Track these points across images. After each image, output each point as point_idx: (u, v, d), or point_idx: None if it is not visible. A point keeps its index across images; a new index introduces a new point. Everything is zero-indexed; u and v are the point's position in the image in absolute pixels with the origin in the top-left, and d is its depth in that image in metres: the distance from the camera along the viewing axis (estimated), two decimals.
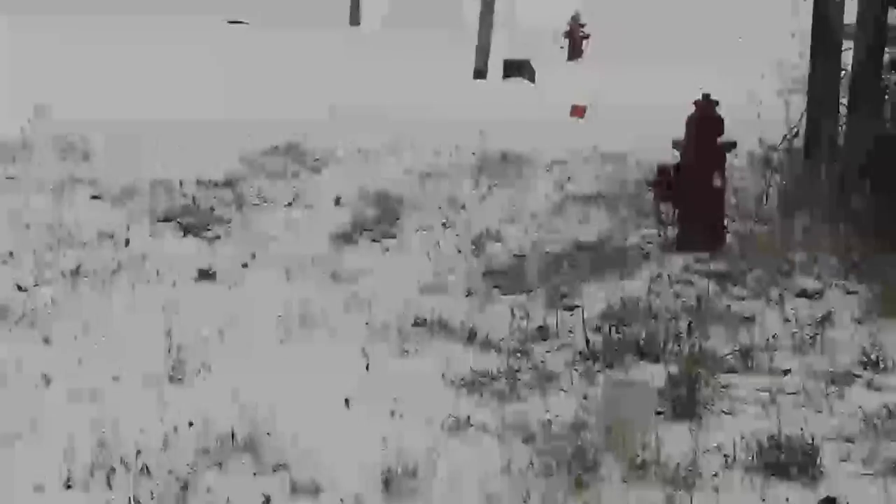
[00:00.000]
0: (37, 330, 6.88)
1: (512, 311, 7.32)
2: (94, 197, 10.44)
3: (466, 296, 7.84)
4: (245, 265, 8.64)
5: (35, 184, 10.66)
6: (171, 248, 9.04)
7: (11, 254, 8.67)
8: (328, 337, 6.92)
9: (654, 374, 6.06)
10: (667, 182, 8.81)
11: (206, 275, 8.38)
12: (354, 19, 34.81)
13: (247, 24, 30.93)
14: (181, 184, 10.94)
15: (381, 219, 9.87)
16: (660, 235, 8.92)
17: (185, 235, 9.53)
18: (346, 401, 5.72)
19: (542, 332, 7.05)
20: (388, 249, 9.07)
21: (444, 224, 9.78)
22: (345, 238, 9.31)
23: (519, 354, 6.62)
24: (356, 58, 23.15)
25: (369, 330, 7.02)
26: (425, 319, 7.18)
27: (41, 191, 10.43)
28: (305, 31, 26.04)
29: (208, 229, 9.66)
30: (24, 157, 11.79)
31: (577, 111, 14.78)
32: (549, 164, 12.42)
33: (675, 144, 8.90)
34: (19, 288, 8.25)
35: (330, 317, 7.23)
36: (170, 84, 17.48)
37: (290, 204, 10.49)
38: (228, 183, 11.13)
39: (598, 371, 6.28)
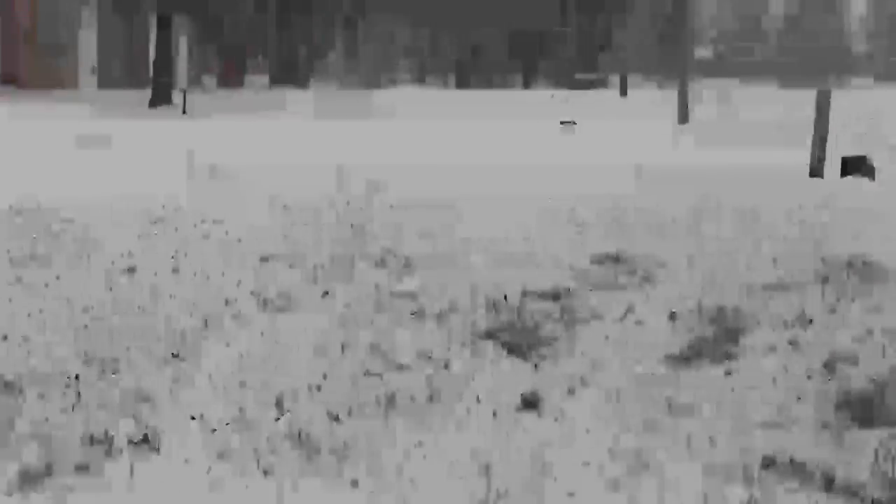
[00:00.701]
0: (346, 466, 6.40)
1: (876, 451, 6.39)
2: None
3: (820, 429, 6.95)
4: (571, 391, 8.00)
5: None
6: (492, 370, 8.51)
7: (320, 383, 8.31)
8: (657, 488, 6.17)
9: None
10: None
11: (528, 404, 7.80)
12: (683, 117, 34.09)
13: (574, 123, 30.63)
14: (506, 297, 10.42)
15: (719, 337, 9.03)
16: None
17: (508, 355, 8.97)
18: None
19: None
20: (729, 373, 8.22)
21: (790, 343, 8.85)
22: (679, 360, 8.53)
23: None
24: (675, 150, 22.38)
25: (705, 472, 6.23)
26: (773, 459, 6.33)
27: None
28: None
29: (533, 349, 9.08)
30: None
31: None
32: None
33: None
34: (333, 418, 7.85)
35: (662, 458, 6.46)
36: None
37: (621, 319, 9.77)
38: (556, 295, 10.53)
39: None
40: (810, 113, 28.35)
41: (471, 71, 64.92)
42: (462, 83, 59.08)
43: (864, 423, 6.99)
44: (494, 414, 7.52)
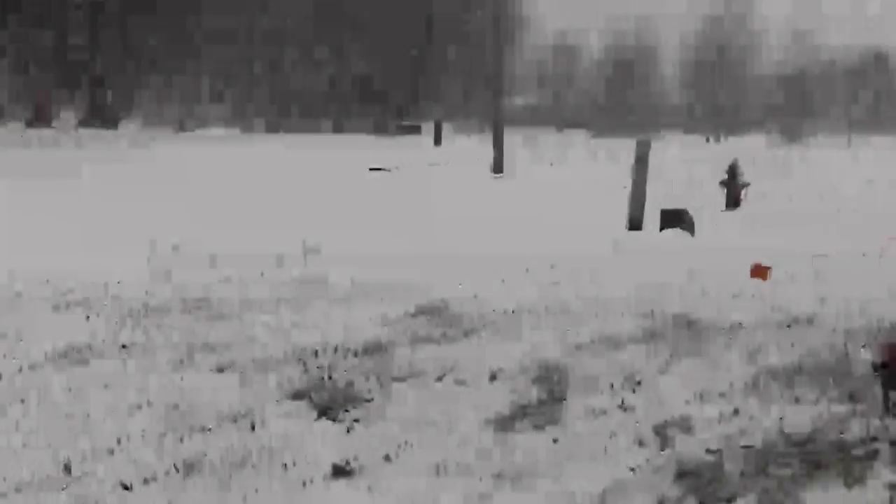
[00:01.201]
0: None
1: None
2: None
3: None
4: (388, 458, 7.33)
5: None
6: (302, 433, 7.80)
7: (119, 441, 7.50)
8: None
9: None
10: None
11: (341, 472, 7.09)
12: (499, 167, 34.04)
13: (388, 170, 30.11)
14: (316, 354, 9.73)
15: (544, 400, 8.47)
16: (887, 429, 7.39)
17: (318, 417, 8.27)
18: None
19: None
20: (555, 441, 7.64)
21: (619, 406, 8.33)
22: (503, 425, 7.93)
23: None
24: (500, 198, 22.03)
25: None
26: None
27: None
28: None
29: (346, 411, 8.39)
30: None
31: (760, 271, 13.14)
32: (731, 328, 10.92)
33: None
34: (124, 487, 7.04)
35: None
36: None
37: (440, 378, 9.15)
38: (368, 351, 9.88)
39: None
40: (623, 165, 28.43)
41: (281, 116, 64.19)
42: (271, 128, 58.25)
43: (703, 498, 6.48)
44: (304, 484, 6.82)
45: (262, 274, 13.83)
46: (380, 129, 57.91)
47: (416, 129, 61.03)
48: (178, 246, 15.91)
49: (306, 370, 9.27)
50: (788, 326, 11.06)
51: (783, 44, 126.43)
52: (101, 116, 49.71)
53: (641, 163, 20.27)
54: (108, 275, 13.22)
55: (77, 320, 10.85)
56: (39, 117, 49.90)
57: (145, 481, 7.08)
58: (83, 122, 48.26)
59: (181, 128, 48.17)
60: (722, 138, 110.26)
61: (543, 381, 8.93)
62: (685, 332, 10.69)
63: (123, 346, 9.84)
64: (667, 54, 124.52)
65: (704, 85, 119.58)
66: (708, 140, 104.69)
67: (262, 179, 25.57)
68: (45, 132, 43.67)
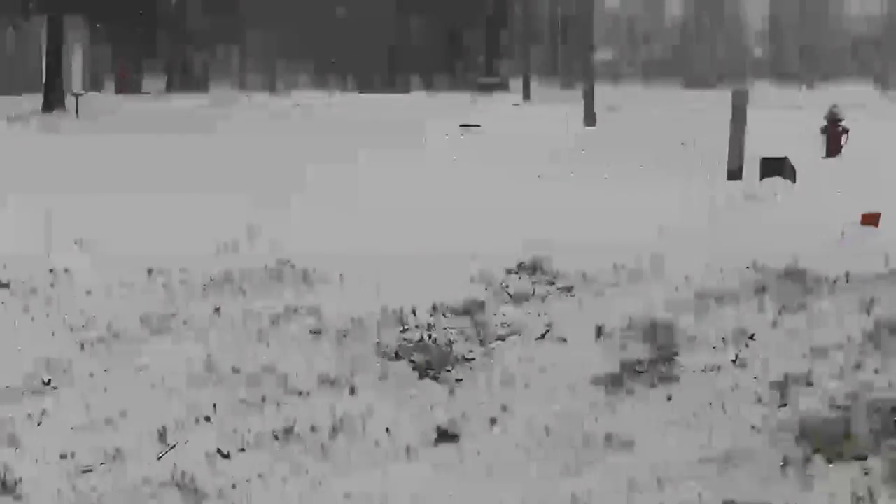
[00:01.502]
0: None
1: (853, 495, 5.50)
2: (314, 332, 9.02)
3: (781, 466, 6.05)
4: (494, 420, 7.06)
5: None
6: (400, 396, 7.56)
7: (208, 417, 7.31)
8: None
9: None
10: None
11: (445, 436, 6.83)
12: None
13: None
14: (414, 312, 9.45)
15: (654, 357, 8.12)
16: None
17: (420, 378, 8.00)
18: None
19: None
20: (669, 398, 7.30)
21: (733, 361, 7.96)
22: (612, 383, 7.61)
23: None
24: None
25: None
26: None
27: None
28: None
29: (448, 371, 8.12)
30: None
31: (870, 218, 12.63)
32: (841, 280, 10.45)
33: None
34: (222, 454, 6.83)
35: None
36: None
37: (542, 336, 8.82)
38: (467, 311, 9.57)
39: None
40: (714, 114, 27.83)
41: (371, 74, 63.98)
42: (364, 87, 58.03)
43: (830, 457, 6.12)
44: (408, 452, 6.57)
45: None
46: (465, 85, 57.35)
47: (502, 86, 60.34)
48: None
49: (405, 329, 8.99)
50: None
51: None
52: (189, 80, 49.76)
53: (739, 113, 19.76)
54: None
55: None
56: (121, 88, 50.07)
57: (242, 449, 6.87)
58: (171, 87, 48.32)
59: (272, 89, 48.05)
60: (815, 85, 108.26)
61: (651, 338, 8.56)
62: (793, 286, 10.24)
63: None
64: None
65: (788, 33, 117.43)
66: (801, 89, 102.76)
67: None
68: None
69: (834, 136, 24.44)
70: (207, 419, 7.30)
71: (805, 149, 24.77)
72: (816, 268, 10.84)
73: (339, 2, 61.79)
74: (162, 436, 7.05)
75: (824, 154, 24.48)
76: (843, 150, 24.57)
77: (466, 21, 66.38)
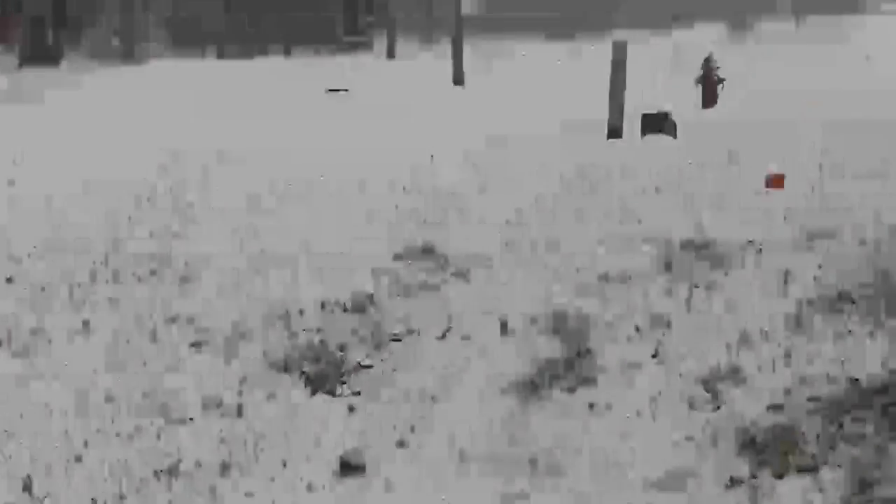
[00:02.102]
0: None
1: None
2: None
3: (727, 488, 5.45)
4: (401, 444, 6.36)
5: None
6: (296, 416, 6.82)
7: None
8: None
9: None
10: None
11: (349, 468, 6.12)
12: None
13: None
14: (301, 313, 8.68)
15: (567, 355, 7.47)
16: None
17: (313, 393, 7.27)
18: None
19: None
20: (591, 406, 6.66)
21: (654, 356, 7.35)
22: (527, 389, 6.95)
23: None
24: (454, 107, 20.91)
25: None
26: None
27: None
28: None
29: (343, 382, 7.40)
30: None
31: (775, 181, 12.04)
32: (748, 250, 9.88)
33: None
34: None
35: None
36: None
37: (443, 336, 8.13)
38: (358, 307, 8.83)
39: None
40: (584, 64, 27.22)
41: (228, 40, 62.50)
42: (221, 54, 56.53)
43: (780, 472, 5.53)
44: (309, 487, 5.85)
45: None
46: (325, 45, 56.26)
47: (365, 45, 59.32)
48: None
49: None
50: (810, 243, 10.05)
51: None
52: (41, 55, 48.03)
53: (619, 66, 19.04)
54: None
55: None
56: None
57: (120, 497, 6.09)
58: (24, 62, 46.57)
59: (128, 57, 46.55)
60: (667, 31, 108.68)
61: (561, 330, 7.92)
62: (701, 260, 9.67)
63: None
64: None
65: None
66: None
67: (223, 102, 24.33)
68: None
69: (710, 86, 24.05)
70: (79, 459, 6.51)
71: (677, 99, 24.38)
72: (720, 237, 10.28)
73: None
74: (27, 487, 6.24)
75: (701, 105, 24.09)
76: (717, 100, 24.21)
77: None
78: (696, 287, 8.78)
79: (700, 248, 9.98)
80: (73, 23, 50.38)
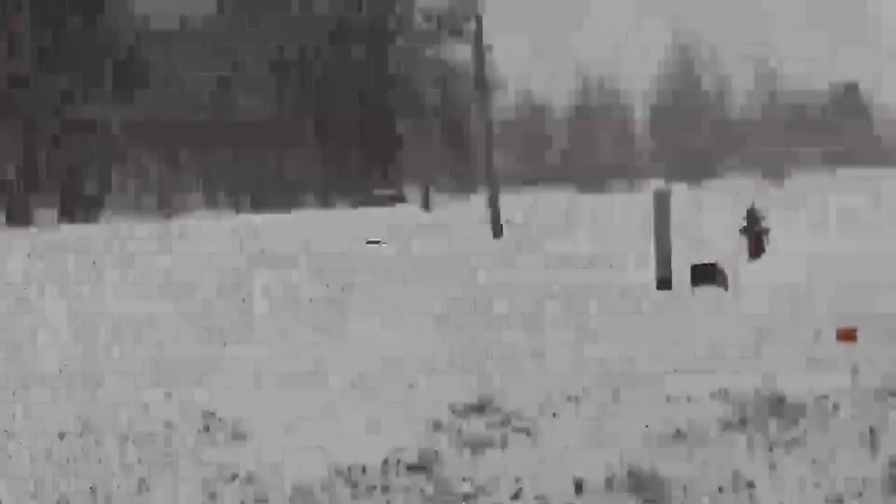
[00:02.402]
0: None
1: None
2: None
3: None
4: None
5: None
6: None
7: None
8: None
9: None
10: None
11: None
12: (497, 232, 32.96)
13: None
14: (364, 470, 8.30)
15: None
16: None
17: None
18: None
19: None
20: None
21: None
22: None
23: None
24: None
25: None
26: None
27: None
28: None
29: None
30: None
31: (846, 334, 11.68)
32: (824, 404, 9.50)
33: None
34: None
35: None
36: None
37: (516, 496, 7.72)
38: (423, 465, 8.45)
39: None
40: (621, 217, 27.12)
41: (264, 192, 63.16)
42: (256, 205, 57.10)
43: None
44: None
45: None
46: (363, 201, 56.73)
47: (398, 197, 59.80)
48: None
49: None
50: (893, 396, 9.67)
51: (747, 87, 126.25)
52: (80, 207, 48.31)
53: (663, 215, 18.83)
54: None
55: None
56: (12, 218, 48.57)
57: None
58: (63, 216, 46.82)
59: (166, 215, 46.89)
60: (703, 182, 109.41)
61: (640, 491, 7.52)
62: (775, 416, 9.29)
63: None
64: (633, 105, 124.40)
65: (671, 132, 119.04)
66: (689, 187, 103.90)
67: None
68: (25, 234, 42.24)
69: (756, 237, 23.81)
70: None
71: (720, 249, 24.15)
72: (794, 391, 9.93)
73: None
74: None
75: (747, 256, 23.84)
76: (765, 249, 23.97)
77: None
78: (775, 445, 8.39)
79: (773, 403, 9.63)
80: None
